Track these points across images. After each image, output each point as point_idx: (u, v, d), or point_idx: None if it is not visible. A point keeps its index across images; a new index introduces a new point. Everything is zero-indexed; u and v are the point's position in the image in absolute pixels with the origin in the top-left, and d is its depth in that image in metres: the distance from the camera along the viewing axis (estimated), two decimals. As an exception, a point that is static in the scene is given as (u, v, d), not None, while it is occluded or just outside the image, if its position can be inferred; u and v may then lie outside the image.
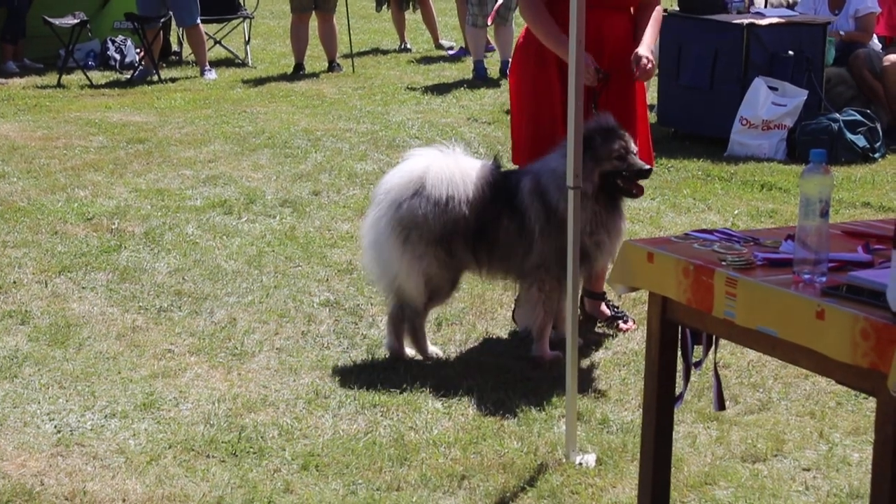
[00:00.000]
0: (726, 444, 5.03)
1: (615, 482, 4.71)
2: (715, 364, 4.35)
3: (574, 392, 4.89)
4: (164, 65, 15.10)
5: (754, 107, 10.41)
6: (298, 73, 14.58)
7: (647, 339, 4.16)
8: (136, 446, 4.98)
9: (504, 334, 6.35)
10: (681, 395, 4.33)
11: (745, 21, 10.70)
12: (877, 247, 3.87)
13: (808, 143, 9.89)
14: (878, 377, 3.27)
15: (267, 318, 6.46)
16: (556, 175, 5.69)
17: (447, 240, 5.77)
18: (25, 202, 8.61)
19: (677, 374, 4.20)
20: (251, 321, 6.41)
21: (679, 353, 4.18)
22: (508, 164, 6.33)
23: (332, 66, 14.80)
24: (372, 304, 6.66)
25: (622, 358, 6.01)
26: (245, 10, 16.00)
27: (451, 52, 16.21)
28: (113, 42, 15.20)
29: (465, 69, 14.82)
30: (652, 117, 11.41)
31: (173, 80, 14.32)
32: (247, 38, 15.81)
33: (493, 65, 14.57)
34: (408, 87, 13.70)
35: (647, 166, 5.85)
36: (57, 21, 14.35)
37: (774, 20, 10.82)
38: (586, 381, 5.65)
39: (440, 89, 13.55)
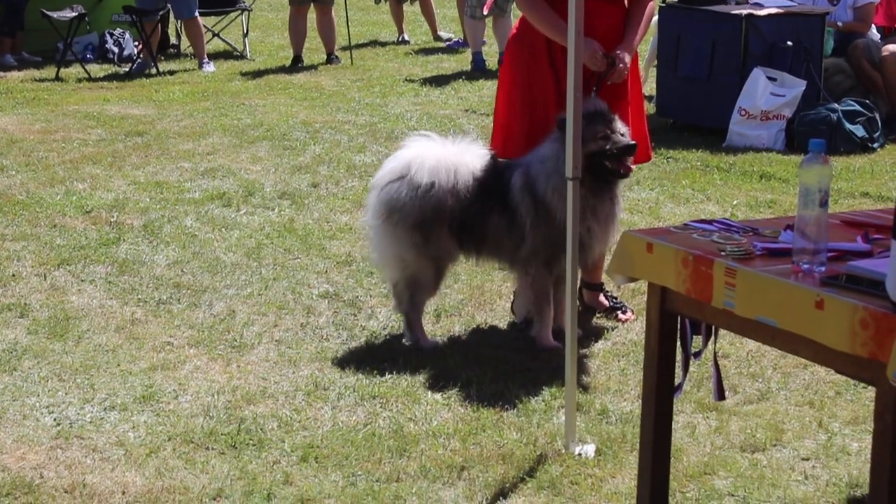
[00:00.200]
0: (725, 434, 5.04)
1: (614, 472, 4.71)
2: (714, 354, 4.35)
3: (573, 383, 4.89)
4: (163, 57, 15.09)
5: (753, 97, 10.41)
6: (297, 65, 14.57)
7: (646, 329, 4.16)
8: (136, 439, 4.98)
9: (503, 325, 6.35)
10: (680, 386, 4.33)
11: (744, 12, 10.69)
12: (876, 236, 3.88)
13: (806, 134, 9.88)
14: (877, 366, 3.27)
15: (266, 310, 6.46)
16: (544, 165, 5.71)
17: (426, 225, 5.79)
18: (24, 195, 8.60)
19: (676, 365, 4.20)
20: (250, 313, 6.41)
21: (678, 343, 4.18)
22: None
23: (331, 59, 14.79)
24: (371, 296, 6.66)
25: (621, 348, 6.01)
26: (243, 2, 15.99)
27: (448, 44, 16.20)
28: (111, 35, 15.19)
29: (463, 61, 14.81)
30: (651, 108, 11.42)
31: (172, 72, 14.31)
32: (245, 31, 15.80)
33: (491, 56, 14.56)
34: (406, 79, 13.69)
35: (632, 142, 5.79)
36: (55, 14, 14.35)
37: (773, 10, 10.81)
38: (585, 372, 5.65)
39: (439, 81, 13.55)
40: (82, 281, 6.86)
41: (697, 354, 4.35)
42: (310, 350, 5.95)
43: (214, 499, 4.52)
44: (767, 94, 10.40)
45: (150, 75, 14.07)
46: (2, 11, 14.45)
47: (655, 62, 11.76)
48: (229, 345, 6.00)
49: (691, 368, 4.46)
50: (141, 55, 14.51)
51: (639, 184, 8.80)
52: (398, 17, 16.87)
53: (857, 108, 10.38)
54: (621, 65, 5.88)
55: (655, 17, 11.20)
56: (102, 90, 13.16)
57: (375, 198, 5.92)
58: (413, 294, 5.98)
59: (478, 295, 6.70)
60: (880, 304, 3.26)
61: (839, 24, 11.66)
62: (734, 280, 3.65)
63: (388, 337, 6.11)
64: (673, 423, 4.32)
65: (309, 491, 4.56)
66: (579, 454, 4.83)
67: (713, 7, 11.00)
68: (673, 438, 4.35)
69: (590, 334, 6.18)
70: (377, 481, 4.64)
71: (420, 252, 5.85)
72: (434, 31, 16.85)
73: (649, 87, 12.17)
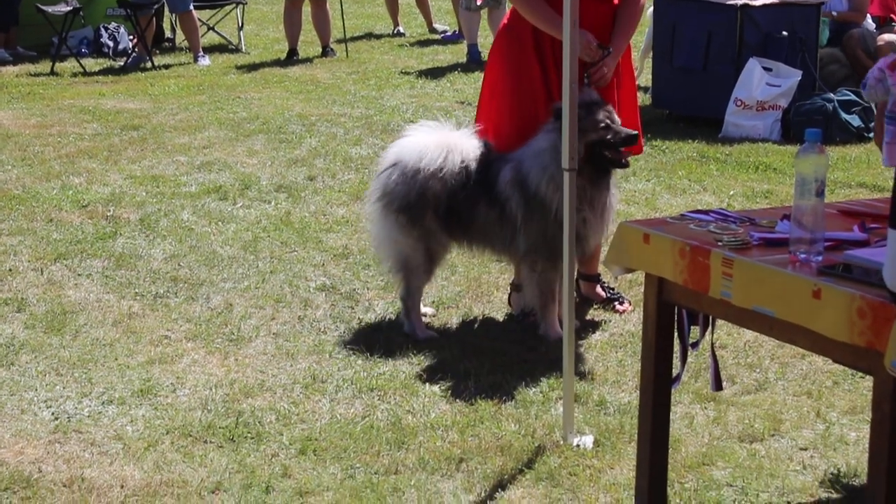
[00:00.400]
0: (723, 425, 5.04)
1: (613, 463, 4.72)
2: (712, 344, 4.36)
3: (571, 374, 4.90)
4: (158, 51, 15.07)
5: (748, 88, 10.40)
6: (292, 58, 14.55)
7: (643, 320, 4.17)
8: (134, 432, 4.99)
9: (501, 317, 6.36)
10: (678, 376, 4.33)
11: (739, 2, 10.68)
12: (872, 225, 3.88)
13: (802, 124, 9.88)
14: (874, 356, 3.27)
15: (263, 303, 6.46)
16: (540, 158, 5.72)
17: (412, 208, 5.88)
18: (20, 190, 8.60)
19: (674, 355, 4.21)
20: (247, 306, 6.41)
21: (676, 333, 4.19)
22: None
23: (326, 51, 14.77)
24: (368, 289, 6.66)
25: (619, 339, 6.01)
26: (238, -5, 15.98)
27: (444, 36, 16.19)
28: (106, 29, 15.17)
29: (458, 53, 14.80)
30: (647, 99, 11.41)
31: (167, 66, 14.29)
32: (240, 24, 15.78)
33: (487, 48, 14.52)
34: (402, 72, 13.68)
35: (634, 132, 5.87)
36: (50, 9, 14.32)
37: (768, 1, 10.80)
38: (583, 364, 5.65)
39: (434, 73, 13.54)
40: (79, 275, 6.86)
41: (695, 345, 4.35)
42: (307, 343, 5.95)
43: (213, 492, 4.52)
44: (763, 84, 10.39)
45: (145, 69, 14.05)
46: (-4, 6, 14.45)
47: (651, 53, 11.75)
48: (227, 338, 6.00)
49: (689, 359, 4.47)
50: (136, 49, 14.48)
51: (635, 175, 8.80)
52: (393, 10, 16.86)
53: (853, 97, 10.38)
54: (605, 69, 5.89)
55: (651, 9, 11.22)
56: (98, 84, 13.15)
57: (373, 183, 6.11)
58: (407, 279, 6.04)
59: (475, 287, 6.70)
60: (877, 293, 3.27)
61: (834, 13, 11.66)
62: (731, 270, 3.65)
63: (385, 329, 6.11)
64: (671, 414, 4.33)
65: (307, 484, 4.56)
66: (577, 445, 4.83)
67: (708, -3, 11.00)
68: (671, 429, 4.36)
69: (587, 325, 6.19)
70: (375, 474, 4.65)
71: (408, 234, 5.94)
72: (429, 23, 16.83)
73: (645, 78, 12.17)
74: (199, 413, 5.16)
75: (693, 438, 4.92)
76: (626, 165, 5.93)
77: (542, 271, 5.90)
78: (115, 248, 7.33)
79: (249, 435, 4.96)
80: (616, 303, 6.43)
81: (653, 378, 4.13)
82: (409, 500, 4.47)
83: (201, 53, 14.53)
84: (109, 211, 8.08)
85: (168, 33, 16.12)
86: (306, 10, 14.73)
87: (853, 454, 4.78)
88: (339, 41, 15.09)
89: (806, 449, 4.86)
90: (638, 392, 4.42)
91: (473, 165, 5.90)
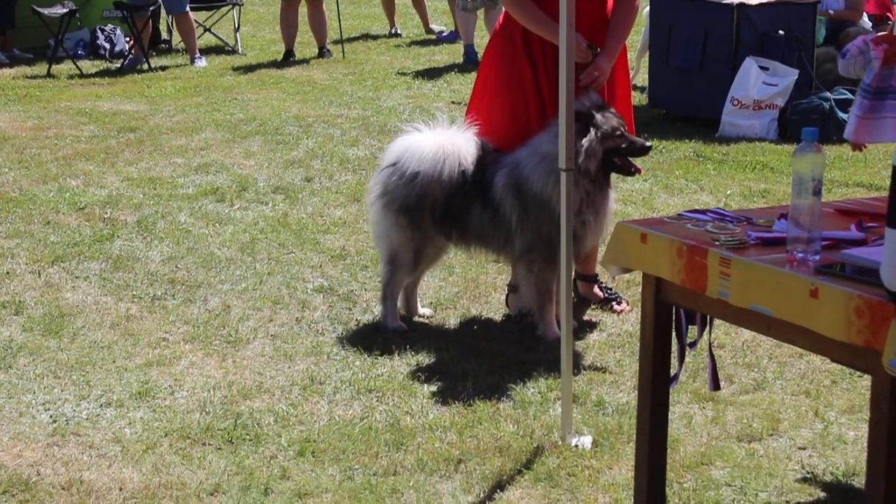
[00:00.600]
0: (722, 425, 5.04)
1: (611, 464, 4.72)
2: (709, 344, 4.35)
3: (569, 374, 4.90)
4: (154, 53, 15.06)
5: (745, 87, 10.41)
6: (289, 59, 14.56)
7: (641, 320, 4.17)
8: (132, 435, 4.98)
9: (498, 318, 6.36)
10: (676, 376, 4.33)
11: (735, 1, 10.68)
12: (870, 225, 3.88)
13: (799, 123, 9.88)
14: (872, 355, 3.27)
15: (261, 305, 6.46)
16: (545, 161, 5.72)
17: (410, 210, 5.96)
18: (17, 192, 8.59)
19: (672, 355, 4.21)
20: (245, 308, 6.41)
21: (674, 333, 4.19)
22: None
23: (323, 52, 14.77)
24: (366, 290, 6.66)
25: (616, 340, 6.01)
26: (234, -4, 15.98)
27: (441, 36, 16.18)
28: (102, 31, 15.16)
29: (455, 53, 14.80)
30: (643, 99, 11.42)
31: (163, 68, 14.29)
32: (236, 26, 15.77)
33: (483, 48, 14.51)
34: (398, 72, 13.68)
35: (649, 143, 6.01)
36: (46, 11, 14.31)
37: (764, 0, 10.80)
38: (581, 364, 5.65)
39: (431, 74, 13.54)
40: (76, 278, 6.86)
41: (693, 345, 4.35)
42: (305, 344, 5.95)
43: (211, 494, 4.52)
44: (759, 83, 10.40)
45: (141, 71, 14.05)
46: (-8, 8, 14.44)
47: (647, 53, 11.75)
48: (224, 340, 6.00)
49: (687, 359, 4.46)
50: (132, 51, 14.48)
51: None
52: (390, 10, 16.86)
53: (850, 96, 10.36)
54: (592, 68, 5.90)
55: (647, 8, 11.22)
56: (94, 86, 13.14)
57: (374, 179, 6.20)
58: (392, 270, 6.13)
59: (473, 288, 6.70)
60: (875, 292, 3.27)
61: (831, 12, 11.66)
62: (728, 270, 3.65)
63: (383, 331, 6.10)
64: (669, 414, 4.33)
65: (306, 485, 4.56)
66: (576, 446, 4.83)
67: (704, -3, 11.00)
68: (669, 429, 4.36)
69: (585, 326, 6.19)
70: (374, 475, 4.64)
71: (404, 233, 6.03)
72: (426, 23, 16.83)
73: (641, 77, 12.18)
74: (197, 415, 5.16)
75: (691, 438, 4.92)
76: (633, 173, 5.97)
77: (539, 271, 5.91)
78: (113, 250, 7.33)
79: (248, 437, 4.95)
80: (614, 303, 6.43)
81: (651, 378, 4.13)
82: (408, 502, 4.47)
83: (198, 55, 14.53)
84: (107, 213, 8.08)
85: (164, 35, 16.11)
86: (303, 11, 14.73)
87: (851, 453, 4.79)
88: (335, 42, 15.09)
89: (804, 448, 4.86)
90: (636, 392, 4.42)
91: (470, 168, 5.93)
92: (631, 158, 5.89)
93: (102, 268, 7.02)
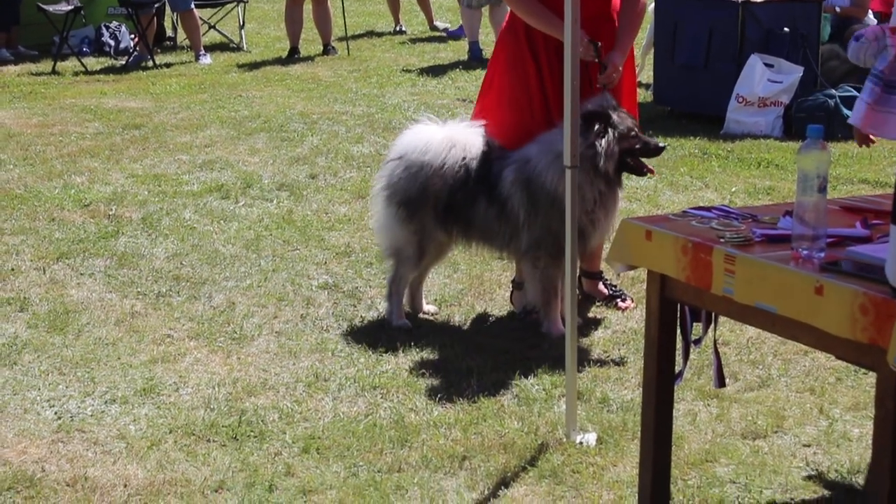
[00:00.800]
0: (726, 422, 5.04)
1: (616, 461, 4.71)
2: (714, 341, 4.35)
3: (574, 371, 4.89)
4: (159, 50, 15.07)
5: (750, 84, 10.40)
6: (293, 56, 14.56)
7: (646, 317, 4.16)
8: (137, 431, 4.99)
9: (503, 315, 6.36)
10: (680, 373, 4.33)
11: (741, -2, 10.69)
12: (875, 222, 3.87)
13: (804, 120, 9.87)
14: (877, 352, 3.27)
15: (266, 301, 6.46)
16: (559, 158, 5.71)
17: (412, 204, 5.97)
18: (22, 189, 8.60)
19: (677, 352, 4.20)
20: (250, 305, 6.41)
21: (678, 330, 4.18)
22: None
23: (327, 50, 14.78)
24: (370, 287, 6.66)
25: (621, 337, 6.01)
26: (239, -7, 15.98)
27: (449, 32, 16.18)
28: (107, 28, 15.17)
29: (460, 50, 14.79)
30: (648, 96, 11.41)
31: (168, 65, 14.29)
32: (241, 23, 15.78)
33: (488, 45, 14.53)
34: (403, 69, 13.68)
35: (664, 144, 6.04)
36: (51, 8, 14.32)
37: (769, -3, 10.80)
38: (586, 361, 5.65)
39: (435, 71, 13.53)
40: (81, 274, 6.86)
41: (697, 342, 4.35)
42: (310, 341, 5.95)
43: (216, 491, 4.52)
44: (765, 80, 10.39)
45: (146, 68, 14.05)
46: (-2, 6, 14.45)
47: (652, 50, 11.74)
48: (229, 337, 6.00)
49: (691, 356, 4.46)
50: (137, 48, 14.49)
51: (637, 172, 8.78)
52: (394, 7, 16.85)
53: (855, 93, 10.34)
54: (612, 69, 5.91)
55: (652, 6, 11.21)
56: (99, 83, 13.15)
57: (380, 170, 6.23)
58: (396, 265, 6.14)
59: (477, 285, 6.70)
60: (880, 289, 3.26)
61: (837, 9, 11.65)
62: (733, 267, 3.65)
63: (387, 327, 6.10)
64: (674, 411, 4.32)
65: (311, 482, 4.56)
66: (580, 443, 4.83)
67: (710, -6, 10.99)
68: (674, 426, 4.35)
69: (589, 323, 6.18)
70: (379, 472, 4.64)
71: (405, 226, 6.04)
72: (430, 20, 16.83)
73: (646, 75, 12.17)
74: (201, 412, 5.16)
75: (696, 435, 4.92)
76: (645, 174, 5.99)
77: (545, 268, 5.91)
78: (118, 247, 7.33)
79: (252, 433, 4.96)
80: (618, 300, 6.43)
81: (655, 375, 4.13)
82: (413, 499, 4.47)
83: (203, 52, 14.53)
84: (111, 210, 8.08)
85: (169, 32, 16.12)
86: (307, 8, 14.72)
87: (856, 451, 4.78)
88: (340, 39, 15.09)
89: (809, 445, 4.86)
90: (641, 389, 4.42)
91: (475, 164, 5.93)
92: (644, 159, 5.90)
93: (107, 264, 7.03)
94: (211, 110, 11.44)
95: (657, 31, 11.41)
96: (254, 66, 14.13)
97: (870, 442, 3.75)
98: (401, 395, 5.33)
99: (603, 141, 5.70)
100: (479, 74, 13.18)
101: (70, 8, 14.35)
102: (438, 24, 16.77)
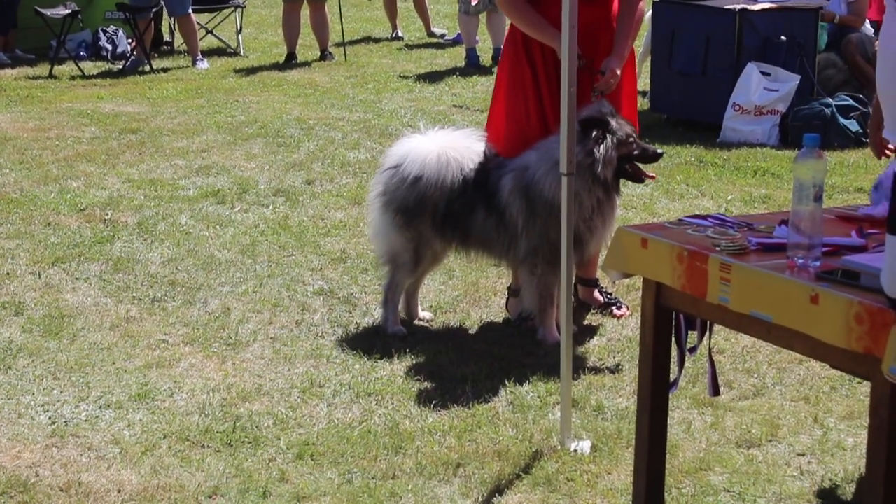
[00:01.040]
0: (721, 430, 5.04)
1: (610, 468, 4.71)
2: (709, 350, 4.35)
3: (568, 379, 4.89)
4: (156, 55, 15.06)
5: (747, 92, 10.41)
6: (290, 62, 14.56)
7: (641, 325, 4.17)
8: (131, 437, 4.98)
9: (498, 322, 6.35)
10: (675, 381, 4.33)
11: (738, 7, 10.68)
12: (870, 231, 3.88)
13: (800, 129, 9.88)
14: (872, 361, 3.27)
15: (261, 307, 6.46)
16: (557, 166, 5.73)
17: (409, 212, 5.96)
18: (18, 193, 8.59)
19: (671, 360, 4.20)
20: (245, 311, 6.40)
21: (673, 338, 4.18)
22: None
23: (324, 55, 14.77)
24: (366, 293, 6.66)
25: (616, 344, 6.01)
26: (236, -1, 15.98)
27: (449, 39, 16.17)
28: (104, 32, 15.17)
29: (457, 57, 14.80)
30: (645, 104, 11.41)
31: (165, 70, 14.29)
32: (238, 28, 15.78)
33: (485, 52, 14.55)
34: (400, 76, 13.68)
35: (661, 151, 6.03)
36: (48, 11, 14.32)
37: (766, 5, 10.80)
38: (581, 368, 5.65)
39: (432, 77, 13.54)
40: (77, 279, 6.85)
41: (692, 350, 4.35)
42: (305, 347, 5.94)
43: (210, 496, 4.52)
44: (761, 89, 10.39)
45: (143, 73, 14.05)
46: (-5, 9, 14.44)
47: (649, 57, 11.75)
48: (224, 342, 6.00)
49: (686, 364, 4.46)
50: (134, 52, 14.48)
51: (633, 179, 8.79)
52: (392, 13, 16.86)
53: (851, 102, 10.38)
54: (610, 75, 5.91)
55: (649, 13, 11.22)
56: (96, 88, 13.14)
57: (376, 177, 6.21)
58: (392, 272, 6.14)
59: (473, 291, 6.70)
60: (875, 298, 3.26)
61: (836, 19, 11.66)
62: (729, 275, 3.65)
63: (383, 334, 6.10)
64: (668, 419, 4.32)
65: (305, 488, 4.56)
66: (575, 450, 4.83)
67: (707, 2, 10.99)
68: (668, 434, 4.35)
69: (585, 330, 6.18)
70: (373, 478, 4.64)
71: (402, 234, 6.03)
72: (427, 27, 16.83)
73: (643, 82, 12.16)
74: (196, 417, 5.15)
75: (690, 444, 4.92)
76: (643, 180, 5.98)
77: (542, 275, 5.90)
78: (113, 251, 7.33)
79: (247, 439, 4.95)
80: (614, 307, 6.43)
81: (650, 383, 4.13)
82: (407, 505, 4.47)
83: (200, 57, 14.53)
84: (107, 214, 8.08)
85: (166, 37, 16.12)
86: (305, 13, 14.73)
87: (851, 459, 4.78)
88: (337, 45, 15.09)
89: (803, 454, 4.86)
90: (635, 397, 4.42)
91: (472, 173, 5.93)
92: (641, 165, 5.90)
93: (103, 269, 7.02)
94: (207, 115, 11.44)
95: (654, 38, 11.42)
96: (251, 71, 14.13)
97: (864, 451, 3.75)
98: (395, 401, 5.33)
99: (601, 147, 5.70)
100: (476, 81, 13.24)
101: (67, 12, 14.35)
102: (436, 30, 16.77)
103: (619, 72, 5.95)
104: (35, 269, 7.01)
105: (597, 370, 5.68)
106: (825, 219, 3.67)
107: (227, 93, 12.72)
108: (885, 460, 3.36)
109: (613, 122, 5.75)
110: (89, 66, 14.36)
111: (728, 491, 4.56)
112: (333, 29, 15.03)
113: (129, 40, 14.99)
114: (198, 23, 15.00)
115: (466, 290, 6.71)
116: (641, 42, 12.32)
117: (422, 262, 6.14)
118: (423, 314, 6.33)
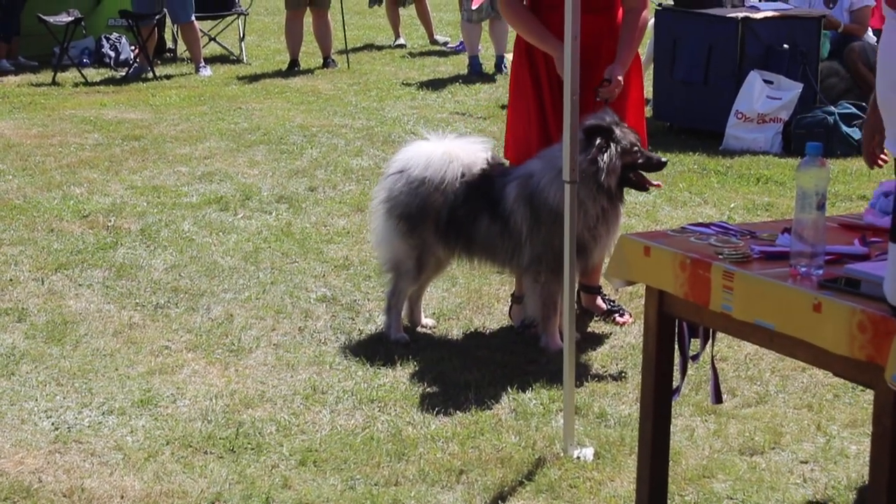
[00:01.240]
0: (724, 438, 5.04)
1: (613, 476, 4.71)
2: (712, 357, 4.36)
3: (571, 386, 4.90)
4: (159, 62, 15.08)
5: (749, 100, 10.42)
6: (293, 69, 14.57)
7: (644, 332, 4.17)
8: (134, 443, 4.98)
9: (501, 329, 6.36)
10: (678, 389, 4.33)
11: (740, 15, 10.70)
12: (873, 239, 3.88)
13: (803, 137, 9.89)
14: (875, 369, 3.27)
15: (264, 314, 6.46)
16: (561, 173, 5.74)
17: (412, 218, 5.98)
18: (21, 200, 8.60)
19: (674, 368, 4.21)
20: (248, 317, 6.41)
21: (676, 346, 4.19)
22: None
23: (327, 63, 14.79)
24: (369, 300, 6.66)
25: (619, 352, 6.01)
26: (240, 6, 15.98)
27: (451, 46, 16.18)
28: (108, 39, 15.18)
29: (459, 64, 14.81)
30: (648, 112, 11.39)
31: (168, 77, 14.30)
32: (241, 35, 15.79)
33: (488, 60, 14.56)
34: (403, 83, 13.69)
35: (665, 159, 6.02)
36: (51, 19, 14.33)
37: (769, 14, 10.82)
38: (584, 376, 5.65)
39: (435, 84, 13.55)
40: (80, 285, 6.86)
41: (695, 357, 4.35)
42: (308, 354, 5.95)
43: (213, 503, 4.52)
44: (764, 97, 10.40)
45: (146, 80, 14.06)
46: (-2, 16, 14.46)
47: (652, 65, 11.76)
48: (227, 349, 6.01)
49: (689, 371, 4.47)
50: (137, 60, 14.49)
51: (636, 187, 8.79)
52: (394, 21, 16.87)
53: (854, 110, 10.38)
54: (614, 83, 5.93)
55: (652, 21, 11.23)
56: (99, 95, 13.16)
57: (380, 184, 6.22)
58: (395, 279, 6.14)
59: (476, 298, 6.70)
60: (878, 307, 3.27)
61: (840, 29, 11.67)
62: (732, 283, 3.65)
63: (386, 341, 6.10)
64: (671, 427, 4.32)
65: (308, 495, 4.56)
66: (578, 457, 4.83)
67: (709, 10, 11.01)
68: (671, 442, 4.36)
69: (588, 338, 6.19)
70: (376, 485, 4.64)
71: (405, 240, 6.04)
72: (430, 34, 16.84)
73: (646, 90, 12.16)
74: (199, 424, 5.16)
75: (693, 451, 4.92)
76: (647, 189, 5.99)
77: (546, 282, 5.91)
78: (116, 258, 7.33)
79: (249, 446, 4.95)
80: (616, 315, 6.43)
81: (653, 390, 4.13)
82: (409, 512, 4.47)
83: (203, 64, 14.54)
84: (110, 221, 8.09)
85: (170, 44, 16.12)
86: (308, 21, 14.75)
87: (854, 467, 4.78)
88: (340, 52, 15.11)
89: (806, 462, 4.86)
90: (638, 404, 4.42)
91: (476, 180, 5.94)
92: (645, 173, 5.90)
93: (105, 276, 7.03)
94: (210, 122, 11.45)
95: (657, 46, 11.43)
96: (254, 78, 14.14)
97: (867, 459, 3.75)
98: (398, 408, 5.33)
99: (605, 156, 5.70)
100: (479, 89, 13.26)
101: (71, 19, 14.36)
102: (439, 37, 16.78)
103: (621, 79, 5.96)
104: (38, 275, 7.02)
105: (600, 377, 5.69)
106: (828, 227, 3.68)
107: (230, 100, 12.73)
108: (888, 468, 3.36)
109: (617, 131, 5.75)
110: (92, 74, 14.37)
111: (731, 498, 4.56)
112: (336, 36, 15.05)
113: (133, 47, 15.01)
114: (201, 30, 15.01)
115: (469, 298, 6.72)
116: (644, 50, 12.34)
117: (425, 269, 6.15)
118: (426, 321, 6.33)
